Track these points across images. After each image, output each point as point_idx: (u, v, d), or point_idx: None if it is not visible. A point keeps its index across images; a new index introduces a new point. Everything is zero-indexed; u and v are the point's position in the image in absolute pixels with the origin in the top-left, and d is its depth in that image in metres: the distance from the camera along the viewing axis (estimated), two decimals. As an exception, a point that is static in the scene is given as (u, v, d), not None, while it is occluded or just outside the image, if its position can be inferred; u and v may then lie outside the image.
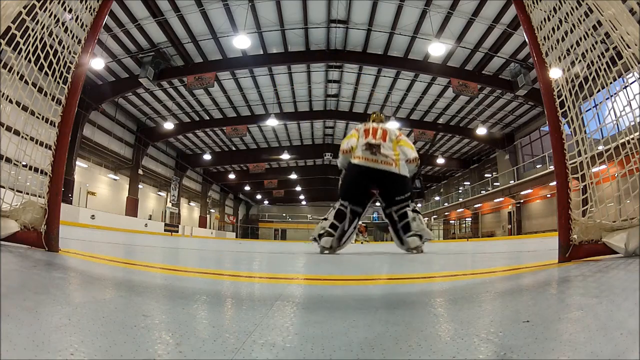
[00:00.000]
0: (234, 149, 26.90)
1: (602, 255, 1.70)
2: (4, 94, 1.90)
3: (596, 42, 1.80)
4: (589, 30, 1.82)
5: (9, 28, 1.67)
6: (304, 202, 43.68)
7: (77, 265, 1.65)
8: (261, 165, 27.76)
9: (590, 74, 1.80)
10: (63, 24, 2.08)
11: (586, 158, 1.84)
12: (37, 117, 2.05)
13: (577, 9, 1.83)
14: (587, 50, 1.81)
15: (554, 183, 1.94)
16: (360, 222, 3.86)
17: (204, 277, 1.54)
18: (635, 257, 1.53)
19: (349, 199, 3.65)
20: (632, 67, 1.56)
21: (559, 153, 1.87)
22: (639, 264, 1.35)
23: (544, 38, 2.03)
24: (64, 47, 2.10)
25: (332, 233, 3.53)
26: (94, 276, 1.36)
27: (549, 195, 18.14)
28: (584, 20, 1.82)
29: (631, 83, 1.76)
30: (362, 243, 15.59)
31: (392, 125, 18.83)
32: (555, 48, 1.97)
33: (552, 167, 13.83)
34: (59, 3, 2.00)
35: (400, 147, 3.71)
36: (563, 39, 1.92)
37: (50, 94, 2.04)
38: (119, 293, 1.05)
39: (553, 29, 1.97)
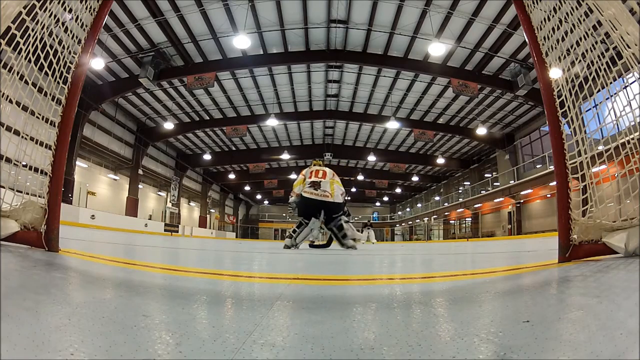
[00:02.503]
0: (234, 149, 26.90)
1: (602, 255, 1.70)
2: (4, 94, 1.90)
3: (596, 42, 1.80)
4: (589, 30, 1.82)
5: (9, 28, 1.66)
6: (304, 202, 43.57)
7: (77, 265, 1.65)
8: (261, 165, 27.77)
9: (590, 74, 1.80)
10: (63, 24, 2.08)
11: (586, 158, 1.83)
12: (37, 117, 2.05)
13: (577, 9, 1.83)
14: (587, 50, 1.81)
15: (554, 183, 1.94)
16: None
17: (204, 277, 1.54)
18: (635, 257, 1.53)
19: (302, 216, 5.54)
20: (632, 67, 1.56)
21: (559, 153, 1.86)
22: (639, 264, 1.35)
23: (544, 38, 2.03)
24: (64, 47, 2.10)
25: (292, 235, 5.45)
26: (94, 276, 1.36)
27: (549, 195, 18.14)
28: (584, 20, 1.82)
29: (631, 83, 1.76)
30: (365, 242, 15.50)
31: (393, 125, 18.83)
32: (555, 48, 1.97)
33: (552, 167, 13.83)
34: (59, 3, 2.00)
35: (334, 185, 5.55)
36: (563, 39, 1.92)
37: (50, 94, 2.04)
38: (119, 293, 1.05)
39: (553, 29, 1.97)
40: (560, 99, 1.91)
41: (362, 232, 15.98)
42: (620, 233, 1.61)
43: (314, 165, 5.89)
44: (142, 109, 19.99)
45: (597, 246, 1.69)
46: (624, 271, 1.30)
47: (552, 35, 1.97)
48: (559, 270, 1.57)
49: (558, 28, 1.93)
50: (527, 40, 2.16)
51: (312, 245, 6.65)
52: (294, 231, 5.45)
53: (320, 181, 5.43)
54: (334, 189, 5.46)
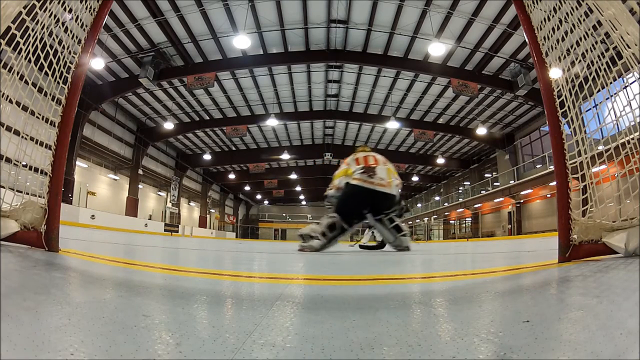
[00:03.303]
0: (234, 149, 26.91)
1: (602, 255, 1.70)
2: (4, 94, 1.90)
3: (596, 42, 1.80)
4: (589, 30, 1.82)
5: (9, 28, 1.66)
6: (304, 202, 43.73)
7: (77, 265, 1.65)
8: (261, 165, 27.78)
9: (590, 74, 1.80)
10: (63, 24, 2.08)
11: (586, 158, 1.83)
12: (37, 117, 2.05)
13: (577, 9, 1.83)
14: (587, 50, 1.81)
15: (554, 183, 1.94)
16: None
17: (204, 277, 1.54)
18: (635, 257, 1.53)
19: (342, 214, 4.04)
20: (632, 67, 1.56)
21: (559, 153, 1.86)
22: (639, 264, 1.35)
23: (544, 38, 2.03)
24: (64, 47, 2.10)
25: (320, 239, 3.94)
26: (94, 276, 1.36)
27: (549, 195, 18.15)
28: (584, 20, 1.82)
29: (631, 83, 1.76)
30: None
31: (393, 125, 18.82)
32: (555, 48, 1.97)
33: (552, 167, 13.83)
34: (59, 3, 2.00)
35: (391, 173, 4.38)
36: (563, 39, 1.92)
37: (50, 94, 2.04)
38: (119, 293, 1.05)
39: (553, 29, 1.97)
40: (560, 99, 1.91)
41: (365, 232, 16.06)
42: (620, 233, 1.61)
43: (360, 151, 4.57)
44: (142, 109, 20.00)
45: (597, 246, 1.69)
46: (624, 271, 1.30)
47: (552, 35, 1.97)
48: (559, 270, 1.57)
49: (558, 28, 1.93)
50: (527, 40, 2.16)
51: (362, 246, 5.39)
52: (324, 234, 3.96)
53: (375, 167, 4.21)
54: (391, 178, 4.31)
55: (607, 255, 1.68)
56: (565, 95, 1.89)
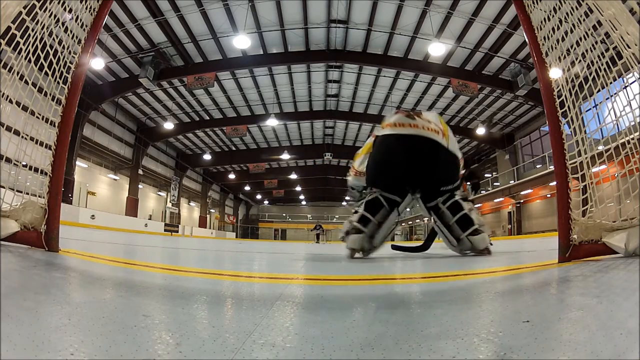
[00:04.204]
0: (234, 149, 26.90)
1: (602, 255, 1.69)
2: (4, 94, 1.90)
3: (596, 42, 1.80)
4: (589, 30, 1.82)
5: (9, 28, 1.66)
6: (304, 202, 43.71)
7: (77, 265, 1.65)
8: (261, 165, 27.77)
9: (590, 74, 1.80)
10: (63, 24, 2.08)
11: (586, 158, 1.84)
12: (37, 117, 2.05)
13: (577, 9, 1.83)
14: (587, 50, 1.81)
15: (554, 183, 1.94)
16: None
17: (204, 277, 1.54)
18: (635, 257, 1.53)
19: (380, 183, 2.69)
20: (632, 67, 1.56)
21: (559, 153, 1.86)
22: (639, 264, 1.34)
23: (544, 38, 2.03)
24: (64, 47, 2.10)
25: (361, 229, 2.60)
26: (94, 276, 1.36)
27: (549, 195, 18.14)
28: (584, 20, 1.82)
29: (631, 83, 1.76)
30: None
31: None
32: (555, 48, 1.97)
33: (552, 167, 13.83)
34: (59, 3, 2.00)
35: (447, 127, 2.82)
36: (563, 39, 1.92)
37: (50, 94, 2.04)
38: (119, 293, 1.05)
39: (553, 29, 1.97)
40: (560, 99, 1.91)
41: None
42: (620, 233, 1.61)
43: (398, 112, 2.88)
44: (142, 109, 19.99)
45: (597, 246, 1.69)
46: (624, 271, 1.30)
47: (552, 35, 1.97)
48: (559, 270, 1.57)
49: (558, 28, 1.93)
50: (527, 40, 2.16)
51: (395, 247, 3.60)
52: (364, 219, 2.65)
53: (421, 112, 2.72)
54: (447, 129, 2.74)
55: (607, 255, 1.68)
56: (565, 95, 1.89)
